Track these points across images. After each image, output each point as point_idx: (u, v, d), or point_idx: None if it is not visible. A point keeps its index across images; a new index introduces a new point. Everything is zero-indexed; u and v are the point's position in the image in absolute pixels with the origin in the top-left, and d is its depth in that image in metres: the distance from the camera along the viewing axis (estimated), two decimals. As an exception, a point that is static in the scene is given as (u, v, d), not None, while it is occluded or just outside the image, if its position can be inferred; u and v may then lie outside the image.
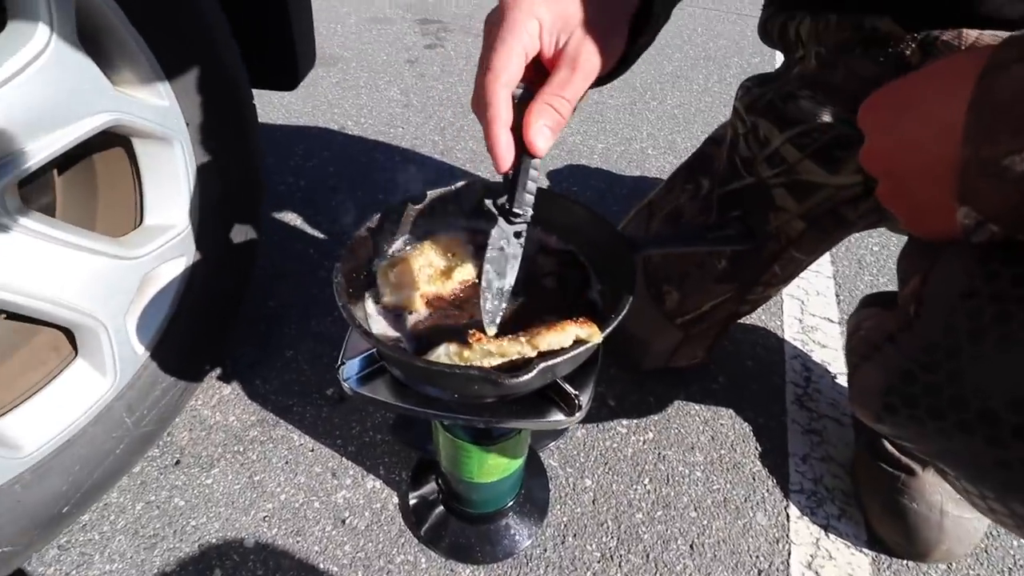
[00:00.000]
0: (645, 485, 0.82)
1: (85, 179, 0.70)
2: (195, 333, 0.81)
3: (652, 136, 1.76)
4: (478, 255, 0.52)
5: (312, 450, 0.83)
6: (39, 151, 0.57)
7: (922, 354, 0.36)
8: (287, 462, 0.82)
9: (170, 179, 0.72)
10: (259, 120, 0.82)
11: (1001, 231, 0.31)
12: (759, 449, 0.87)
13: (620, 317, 0.41)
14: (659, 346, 0.85)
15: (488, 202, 0.43)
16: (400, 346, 0.43)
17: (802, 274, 0.84)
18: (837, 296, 1.19)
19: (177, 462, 0.81)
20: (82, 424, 0.69)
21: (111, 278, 0.67)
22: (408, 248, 0.54)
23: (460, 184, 0.56)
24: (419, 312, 0.49)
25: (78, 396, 0.69)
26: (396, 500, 0.78)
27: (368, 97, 1.79)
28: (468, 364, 0.38)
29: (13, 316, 0.64)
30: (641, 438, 0.88)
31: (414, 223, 0.56)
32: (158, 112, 0.66)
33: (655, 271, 0.80)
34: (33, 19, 0.53)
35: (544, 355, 0.39)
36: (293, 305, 1.06)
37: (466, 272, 0.52)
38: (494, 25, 0.40)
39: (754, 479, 0.84)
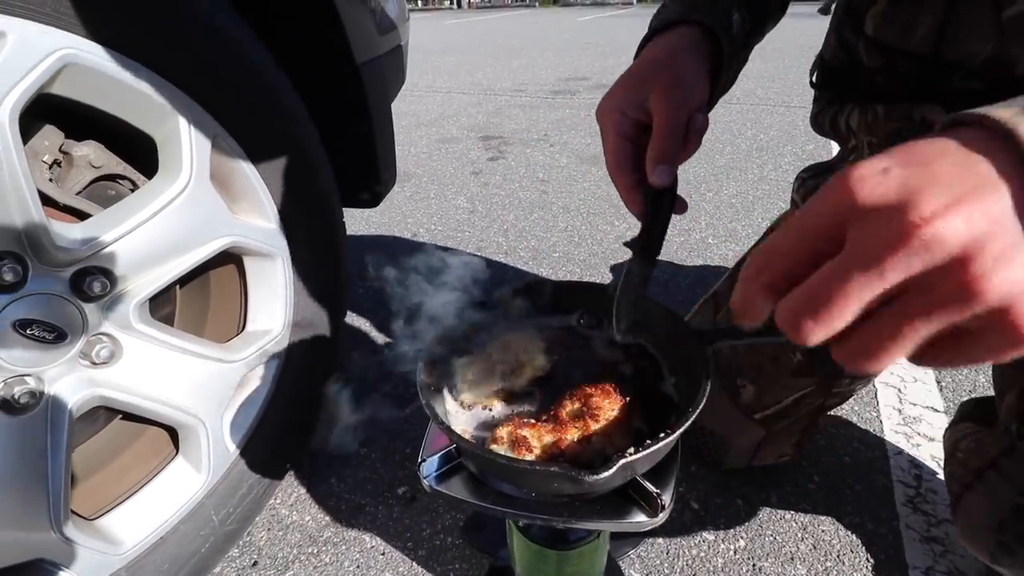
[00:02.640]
0: (741, 604, 0.73)
1: (201, 291, 0.80)
2: (281, 432, 0.85)
3: (711, 225, 1.78)
4: (549, 350, 0.54)
5: (383, 553, 0.82)
6: (172, 271, 0.67)
7: None
8: (359, 566, 0.81)
9: (271, 290, 0.80)
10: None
11: None
12: (871, 561, 0.77)
13: (699, 409, 0.40)
14: (740, 443, 0.80)
15: (625, 242, 0.50)
16: (478, 443, 0.44)
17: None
18: (938, 383, 1.09)
19: (255, 563, 0.82)
20: (175, 522, 0.72)
21: (214, 380, 0.74)
22: (484, 347, 0.57)
23: (528, 282, 0.59)
24: (495, 408, 0.50)
25: (175, 493, 0.73)
26: (468, 612, 0.74)
27: (438, 206, 1.96)
28: (546, 461, 0.39)
29: (128, 416, 0.71)
30: (731, 546, 0.80)
31: (488, 322, 0.59)
32: (266, 234, 0.76)
33: (726, 364, 0.77)
34: (179, 166, 0.65)
35: (622, 451, 0.38)
36: (364, 405, 1.10)
37: (538, 367, 0.54)
38: (602, 121, 0.50)
39: (871, 600, 0.73)
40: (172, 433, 0.75)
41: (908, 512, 0.83)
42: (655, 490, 0.40)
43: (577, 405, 0.45)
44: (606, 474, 0.35)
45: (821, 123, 0.69)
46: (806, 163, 0.75)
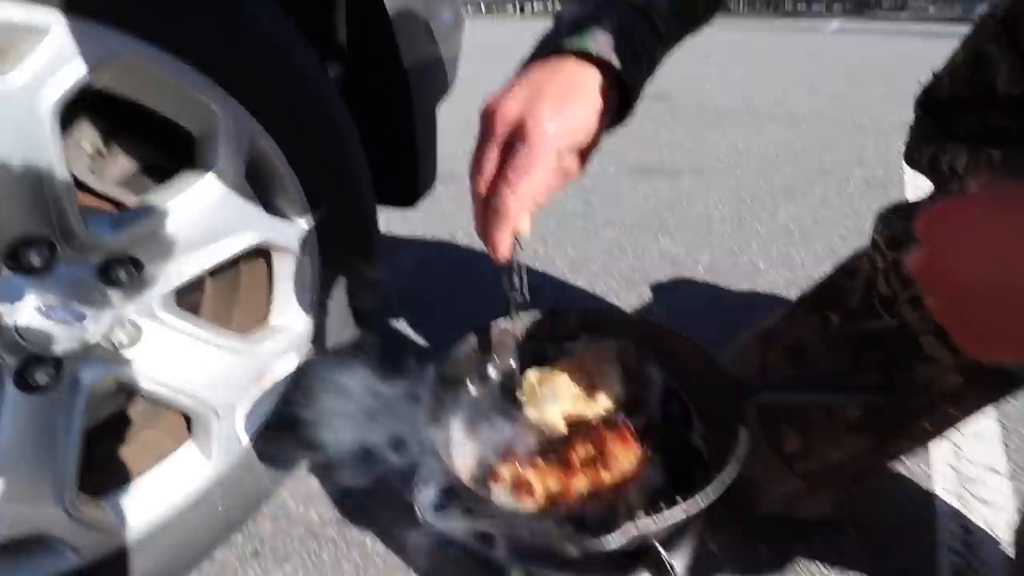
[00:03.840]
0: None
1: (231, 284, 0.80)
2: (297, 427, 0.85)
3: (763, 249, 1.68)
4: (627, 380, 0.51)
5: (383, 559, 0.80)
6: (200, 263, 0.66)
7: None
8: (356, 568, 0.79)
9: (298, 287, 0.80)
10: (381, 229, 0.91)
11: None
12: (908, 640, 0.69)
13: (727, 484, 0.35)
14: (776, 493, 0.73)
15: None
16: (475, 489, 0.41)
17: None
18: (1004, 443, 0.98)
19: (256, 552, 0.82)
20: (180, 506, 0.72)
21: (234, 371, 0.74)
22: (563, 359, 0.52)
23: (550, 310, 0.55)
24: (560, 431, 0.46)
25: (183, 479, 0.73)
26: (462, 639, 0.71)
27: (479, 208, 1.94)
28: (547, 512, 0.35)
29: (143, 400, 0.72)
30: (749, 604, 0.73)
31: (516, 343, 0.55)
32: (298, 231, 0.75)
33: (772, 407, 0.71)
34: (215, 162, 0.64)
35: (633, 509, 0.34)
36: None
37: (612, 395, 0.49)
38: (546, 149, 0.44)
39: None
40: (188, 420, 0.76)
41: (954, 586, 0.75)
42: (668, 560, 0.36)
43: (589, 449, 0.41)
44: (613, 544, 0.31)
45: (918, 160, 0.61)
46: (874, 189, 0.68)
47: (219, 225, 0.66)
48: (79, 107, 0.58)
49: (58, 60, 0.50)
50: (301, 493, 0.91)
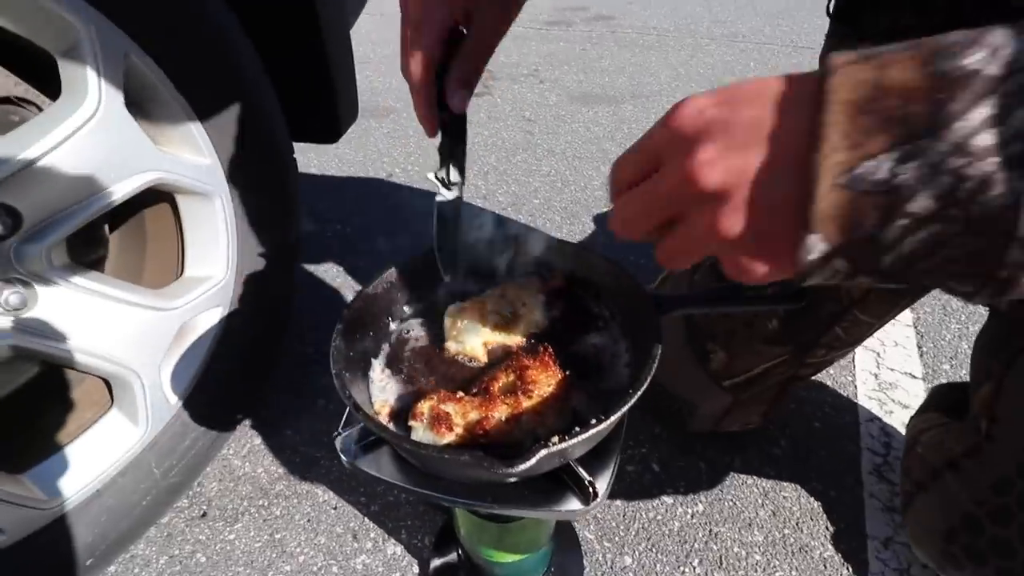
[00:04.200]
0: (694, 567, 0.72)
1: (136, 234, 0.73)
2: (230, 382, 0.81)
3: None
4: (550, 305, 0.51)
5: (335, 508, 0.80)
6: (86, 209, 0.60)
7: (991, 494, 0.29)
8: (309, 520, 0.79)
9: (211, 232, 0.74)
10: (311, 170, 0.84)
11: (849, 267, 0.26)
12: (831, 529, 0.76)
13: (637, 396, 0.36)
14: (706, 409, 0.77)
15: (430, 175, 0.49)
16: (389, 425, 0.40)
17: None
18: (919, 348, 1.06)
19: (204, 514, 0.80)
20: (112, 474, 0.69)
21: (149, 329, 0.69)
22: (482, 293, 0.52)
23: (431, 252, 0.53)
24: (480, 362, 0.46)
25: (111, 446, 0.70)
26: (416, 569, 0.73)
27: (416, 145, 1.85)
28: (462, 446, 0.34)
29: (54, 367, 0.67)
30: (689, 511, 0.79)
31: (432, 283, 0.53)
32: (200, 170, 0.69)
33: (698, 326, 0.73)
34: (84, 89, 0.56)
35: (553, 432, 0.34)
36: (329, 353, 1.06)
37: (533, 322, 0.49)
38: (412, 10, 0.44)
39: (825, 566, 0.72)
40: (108, 384, 0.71)
41: (873, 481, 0.82)
42: (587, 477, 0.37)
43: (512, 378, 0.40)
44: (522, 466, 0.31)
45: None
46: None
47: (101, 163, 0.59)
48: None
49: None
50: (245, 451, 0.89)
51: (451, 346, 0.47)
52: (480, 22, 0.44)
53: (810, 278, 0.27)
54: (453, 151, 0.48)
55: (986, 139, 0.21)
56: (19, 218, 0.56)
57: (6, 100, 0.60)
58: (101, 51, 0.56)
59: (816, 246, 0.25)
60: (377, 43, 2.93)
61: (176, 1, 0.61)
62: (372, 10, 1.25)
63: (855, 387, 0.98)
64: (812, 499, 0.80)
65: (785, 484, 0.82)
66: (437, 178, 0.50)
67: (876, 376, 1.00)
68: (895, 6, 0.51)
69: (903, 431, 0.89)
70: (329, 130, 0.92)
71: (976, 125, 0.21)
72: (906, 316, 1.12)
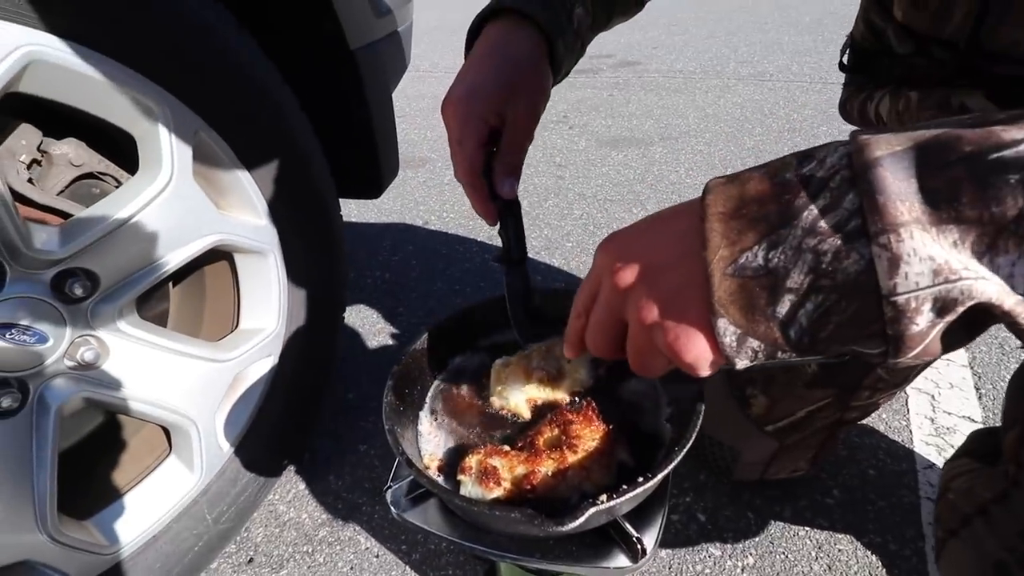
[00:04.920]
0: (745, 626, 0.69)
1: (196, 290, 0.79)
2: (278, 429, 0.84)
3: (735, 215, 1.69)
4: (596, 362, 0.52)
5: (377, 556, 0.81)
6: (157, 271, 0.65)
7: (1019, 540, 0.28)
8: (352, 568, 0.80)
9: (264, 287, 0.79)
10: (351, 219, 0.89)
11: (765, 347, 0.30)
12: (891, 587, 0.72)
13: (684, 451, 0.36)
14: (750, 455, 0.75)
15: (493, 261, 0.50)
16: (438, 479, 0.41)
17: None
18: (977, 389, 1.01)
19: (250, 560, 0.82)
20: (167, 520, 0.72)
21: (205, 379, 0.73)
22: (527, 348, 0.53)
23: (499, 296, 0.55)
24: (524, 418, 0.47)
25: (168, 492, 0.73)
26: (459, 623, 0.72)
27: (451, 193, 1.92)
28: (510, 502, 0.35)
29: (120, 416, 0.71)
30: (739, 563, 0.76)
31: (477, 335, 0.55)
32: (256, 230, 0.74)
33: (736, 372, 0.72)
34: (159, 163, 0.62)
35: (600, 488, 0.35)
36: (372, 397, 1.09)
37: (578, 380, 0.50)
38: (453, 127, 0.49)
39: (887, 628, 0.68)
40: (167, 431, 0.75)
41: (933, 533, 0.78)
42: (635, 534, 0.37)
43: (556, 432, 0.41)
44: (572, 525, 0.32)
45: (850, 111, 0.63)
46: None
47: (171, 229, 0.64)
48: (8, 113, 0.56)
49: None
50: (290, 496, 0.91)
51: (495, 401, 0.48)
52: (513, 121, 0.49)
53: (737, 361, 0.31)
54: (513, 232, 0.51)
55: (828, 221, 0.27)
56: (97, 281, 0.61)
57: (89, 175, 0.67)
58: (175, 129, 0.62)
59: (727, 328, 0.30)
60: (412, 97, 3.09)
61: (241, 82, 0.67)
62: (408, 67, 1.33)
63: (910, 432, 0.93)
64: (870, 552, 0.76)
65: (840, 536, 0.78)
66: (498, 260, 0.52)
67: (932, 420, 0.96)
68: (904, 58, 0.53)
69: (965, 480, 0.84)
70: (372, 186, 0.98)
71: (817, 213, 0.27)
72: (961, 356, 1.08)
